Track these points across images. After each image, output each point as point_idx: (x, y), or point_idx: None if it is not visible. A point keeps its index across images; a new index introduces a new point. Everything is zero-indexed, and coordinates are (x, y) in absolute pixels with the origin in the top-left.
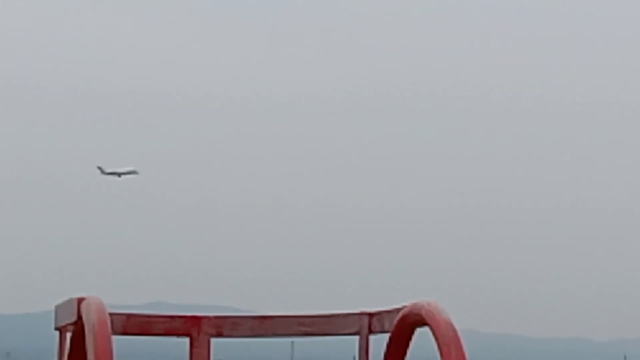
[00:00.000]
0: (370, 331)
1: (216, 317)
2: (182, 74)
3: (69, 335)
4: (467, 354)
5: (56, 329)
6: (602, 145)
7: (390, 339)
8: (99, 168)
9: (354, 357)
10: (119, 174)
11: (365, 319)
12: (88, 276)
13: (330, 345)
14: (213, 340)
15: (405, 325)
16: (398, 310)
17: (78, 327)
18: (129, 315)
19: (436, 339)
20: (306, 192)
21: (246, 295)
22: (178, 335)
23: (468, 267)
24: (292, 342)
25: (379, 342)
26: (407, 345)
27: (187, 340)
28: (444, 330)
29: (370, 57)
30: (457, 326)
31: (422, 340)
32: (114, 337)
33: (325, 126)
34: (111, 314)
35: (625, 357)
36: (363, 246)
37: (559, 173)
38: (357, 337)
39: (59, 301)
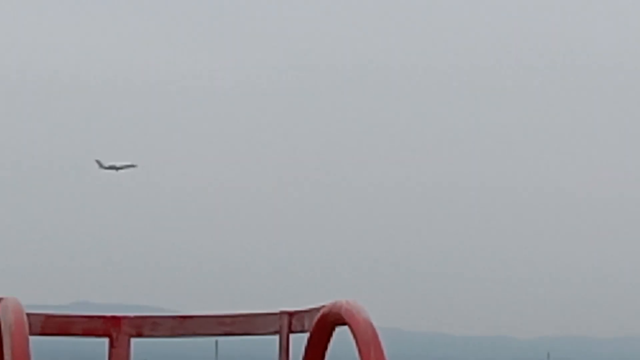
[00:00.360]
0: (291, 330)
1: (136, 317)
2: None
3: None
4: (386, 353)
5: None
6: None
7: (310, 338)
8: (98, 162)
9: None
10: (117, 168)
11: (286, 318)
12: (11, 276)
13: (255, 344)
14: (137, 340)
15: (324, 325)
16: (318, 309)
17: None
18: (47, 316)
19: (355, 338)
20: (230, 189)
21: (171, 294)
22: (97, 335)
23: (393, 266)
24: (217, 341)
25: (301, 341)
26: (327, 344)
27: (106, 340)
28: (363, 329)
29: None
30: (376, 325)
31: (344, 338)
32: (33, 338)
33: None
34: (29, 314)
35: (548, 355)
36: (286, 244)
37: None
38: (277, 337)
39: None
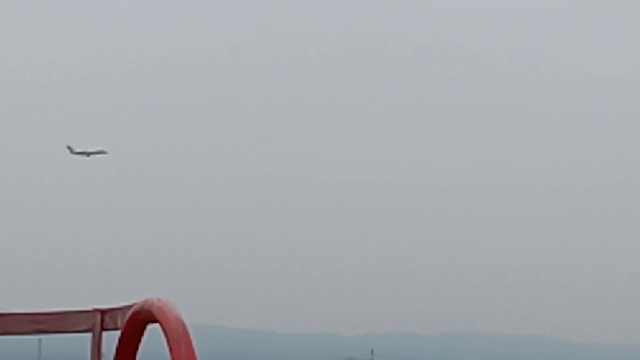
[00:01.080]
0: (103, 328)
1: None
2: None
3: None
4: (196, 351)
5: None
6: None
7: (122, 335)
8: (69, 147)
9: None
10: (88, 154)
11: (98, 316)
12: None
13: (80, 342)
14: None
15: (136, 322)
16: (130, 307)
17: None
18: None
19: (166, 335)
20: (48, 185)
21: None
22: None
23: (218, 263)
24: (40, 339)
25: (115, 339)
26: (139, 342)
27: None
28: (174, 326)
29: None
30: (187, 322)
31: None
32: None
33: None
34: None
35: (372, 352)
36: (102, 241)
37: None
38: (90, 334)
39: None
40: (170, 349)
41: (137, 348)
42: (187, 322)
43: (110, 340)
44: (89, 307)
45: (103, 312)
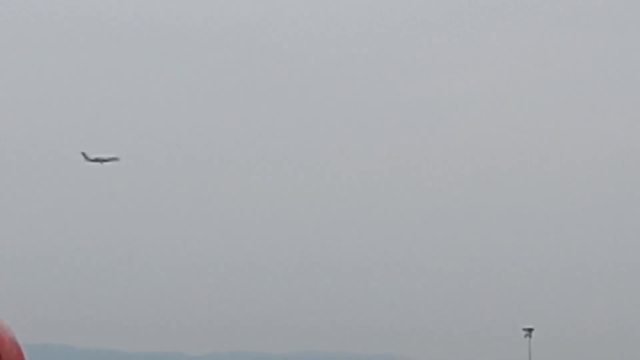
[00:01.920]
0: None
1: None
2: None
3: None
4: None
5: None
6: None
7: None
8: (83, 154)
9: None
10: (102, 161)
11: None
12: None
13: None
14: None
15: None
16: None
17: None
18: None
19: (0, 357)
20: None
21: None
22: None
23: (66, 282)
24: None
25: None
26: None
27: None
28: (9, 348)
29: None
30: (25, 343)
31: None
32: None
33: None
34: None
35: None
36: None
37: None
38: None
39: None
40: None
41: None
42: (25, 342)
43: None
44: None
45: None
